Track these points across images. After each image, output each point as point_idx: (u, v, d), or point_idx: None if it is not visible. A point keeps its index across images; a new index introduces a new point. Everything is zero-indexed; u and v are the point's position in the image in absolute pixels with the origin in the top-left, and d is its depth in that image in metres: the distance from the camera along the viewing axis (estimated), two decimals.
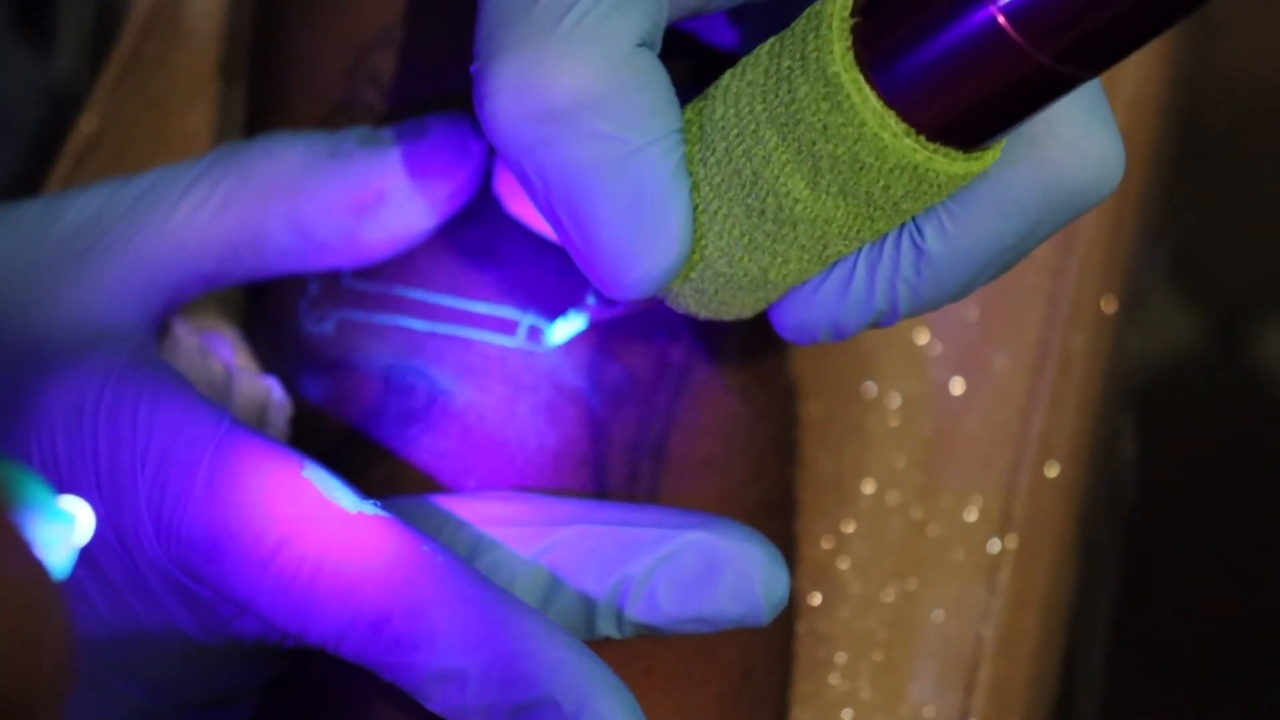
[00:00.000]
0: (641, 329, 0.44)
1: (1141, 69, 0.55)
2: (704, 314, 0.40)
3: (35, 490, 0.26)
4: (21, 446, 0.39)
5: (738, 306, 0.40)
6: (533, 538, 0.40)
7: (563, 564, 0.40)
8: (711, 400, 0.44)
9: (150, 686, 0.41)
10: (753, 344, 0.46)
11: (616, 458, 0.43)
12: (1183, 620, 1.06)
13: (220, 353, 0.45)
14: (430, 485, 0.43)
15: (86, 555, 0.39)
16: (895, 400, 0.51)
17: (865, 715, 0.48)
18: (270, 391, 0.45)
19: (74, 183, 0.52)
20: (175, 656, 0.40)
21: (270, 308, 0.45)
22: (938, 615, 0.49)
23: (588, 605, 0.40)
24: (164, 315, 0.43)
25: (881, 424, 0.50)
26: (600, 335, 0.44)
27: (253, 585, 0.37)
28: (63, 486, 0.39)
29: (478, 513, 0.41)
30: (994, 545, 0.50)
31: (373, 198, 0.42)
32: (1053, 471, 0.51)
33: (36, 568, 0.25)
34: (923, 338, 0.51)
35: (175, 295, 0.43)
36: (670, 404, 0.44)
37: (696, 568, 0.40)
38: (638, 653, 0.41)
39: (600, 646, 0.40)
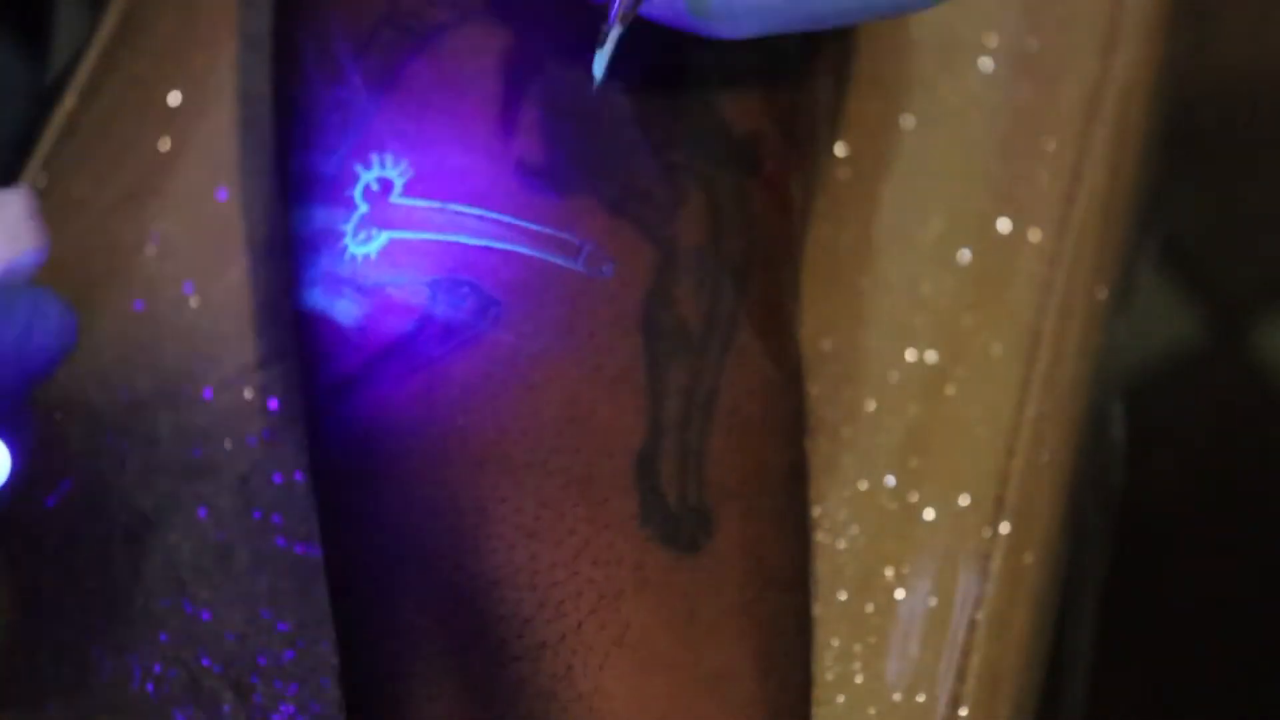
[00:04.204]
0: (692, 278, 0.44)
1: (1136, 53, 0.55)
2: None
3: None
4: None
5: None
6: None
7: None
8: (752, 361, 0.44)
9: None
10: (773, 314, 0.46)
11: (672, 398, 0.43)
12: (1170, 608, 1.06)
13: None
14: (477, 398, 0.42)
15: None
16: (890, 385, 0.51)
17: (858, 700, 0.48)
18: None
19: (56, 161, 0.52)
20: None
21: (310, 230, 0.45)
22: (931, 601, 0.49)
23: None
24: None
25: (876, 409, 0.50)
26: (654, 282, 0.44)
27: None
28: None
29: None
30: (986, 531, 0.50)
31: None
32: (1045, 458, 0.51)
33: None
34: (917, 322, 0.51)
35: None
36: (719, 359, 0.44)
37: None
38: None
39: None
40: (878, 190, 0.52)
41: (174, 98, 0.52)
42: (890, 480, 0.50)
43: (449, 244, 0.44)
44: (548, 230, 0.43)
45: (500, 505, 0.41)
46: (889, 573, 0.49)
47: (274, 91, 0.48)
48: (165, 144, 0.52)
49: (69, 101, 0.52)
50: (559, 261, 0.43)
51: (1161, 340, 1.13)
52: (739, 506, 0.43)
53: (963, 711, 0.48)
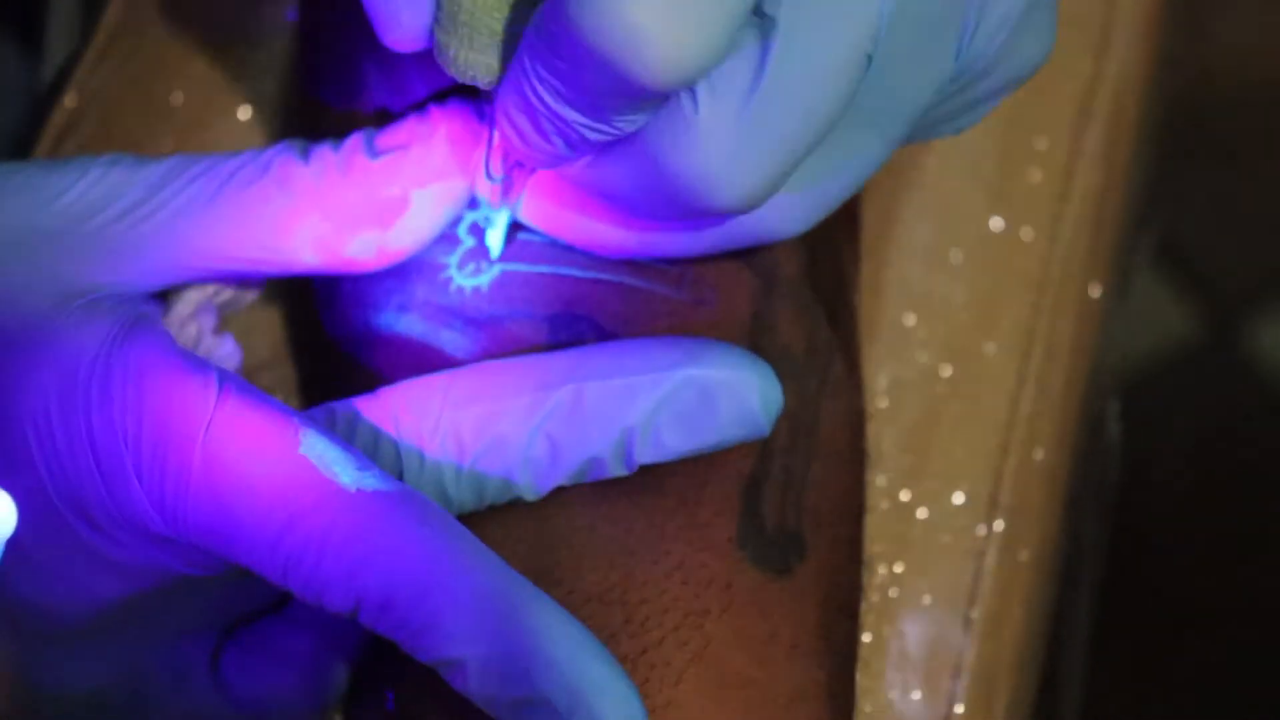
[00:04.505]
0: (792, 306, 0.44)
1: (1128, 51, 0.55)
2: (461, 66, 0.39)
3: None
4: (18, 434, 0.39)
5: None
6: (527, 411, 0.40)
7: (562, 433, 0.40)
8: (843, 391, 0.45)
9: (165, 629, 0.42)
10: (855, 346, 0.46)
11: (781, 424, 0.43)
12: (1166, 605, 1.06)
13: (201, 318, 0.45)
14: None
15: (94, 524, 0.39)
16: (883, 384, 0.51)
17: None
18: (218, 346, 0.45)
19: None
20: (188, 594, 0.41)
21: (411, 262, 0.44)
22: (925, 599, 0.49)
23: (588, 470, 0.40)
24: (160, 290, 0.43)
25: (870, 407, 0.50)
26: (757, 309, 0.44)
27: (265, 565, 0.38)
28: (64, 471, 0.39)
29: (466, 392, 0.41)
30: (980, 529, 0.50)
31: (396, 208, 0.42)
32: (1039, 456, 0.51)
33: None
34: (910, 321, 0.51)
35: (177, 283, 0.43)
36: (819, 387, 0.44)
37: (694, 402, 0.40)
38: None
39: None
40: (870, 189, 0.52)
41: (176, 98, 0.52)
42: (883, 479, 0.50)
43: (562, 277, 0.43)
44: (653, 260, 0.43)
45: (612, 526, 0.41)
46: (883, 571, 0.49)
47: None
48: (168, 144, 0.52)
49: (69, 101, 0.52)
50: (664, 291, 0.43)
51: (1157, 338, 1.13)
52: (827, 534, 0.43)
53: (958, 709, 0.49)
